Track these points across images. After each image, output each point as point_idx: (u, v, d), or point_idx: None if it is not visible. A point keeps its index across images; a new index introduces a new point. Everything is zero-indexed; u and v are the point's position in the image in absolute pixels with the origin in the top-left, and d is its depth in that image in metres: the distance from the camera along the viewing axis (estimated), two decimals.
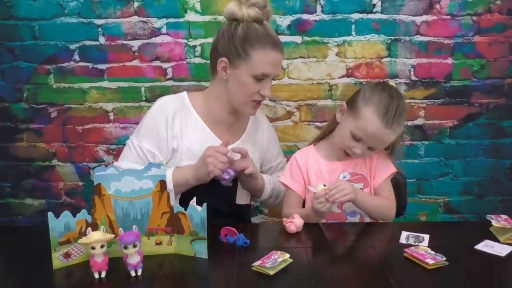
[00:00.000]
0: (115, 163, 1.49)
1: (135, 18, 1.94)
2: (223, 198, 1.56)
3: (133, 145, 1.54)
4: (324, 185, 1.40)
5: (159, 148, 1.53)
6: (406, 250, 1.21)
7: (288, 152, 2.04)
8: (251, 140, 1.65)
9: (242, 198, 1.63)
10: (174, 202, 1.47)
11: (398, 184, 1.64)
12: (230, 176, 1.49)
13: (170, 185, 1.46)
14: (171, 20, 1.94)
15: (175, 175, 1.49)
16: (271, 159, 1.73)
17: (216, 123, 1.58)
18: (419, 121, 2.02)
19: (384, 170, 1.52)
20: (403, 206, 1.71)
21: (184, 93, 1.62)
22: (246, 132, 1.65)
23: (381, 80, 1.96)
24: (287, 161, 1.63)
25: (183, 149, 1.54)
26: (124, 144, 1.60)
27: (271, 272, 1.12)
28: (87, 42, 1.96)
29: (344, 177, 1.51)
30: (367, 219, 1.52)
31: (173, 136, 1.53)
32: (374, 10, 1.93)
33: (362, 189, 1.50)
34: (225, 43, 1.49)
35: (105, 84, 1.99)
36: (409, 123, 2.02)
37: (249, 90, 1.49)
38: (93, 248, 1.11)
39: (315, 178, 1.53)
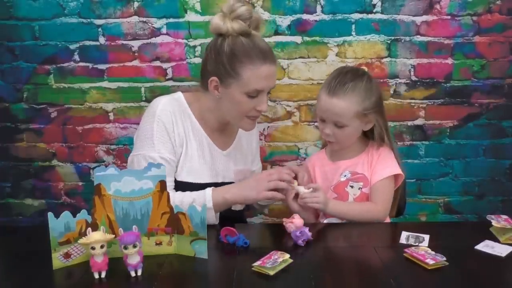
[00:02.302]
0: None
1: (135, 18, 1.94)
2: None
3: (153, 159, 1.42)
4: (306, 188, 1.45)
5: (174, 154, 1.48)
6: (406, 250, 1.21)
7: (288, 153, 2.05)
8: (243, 144, 1.64)
9: (237, 205, 1.58)
10: (215, 220, 1.44)
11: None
12: (305, 237, 1.30)
13: (209, 204, 1.39)
14: (171, 20, 1.94)
15: (215, 195, 1.42)
16: (254, 161, 1.70)
17: (209, 128, 1.55)
18: (419, 121, 2.02)
19: (382, 171, 1.50)
20: (403, 206, 1.71)
21: (180, 94, 1.56)
22: (238, 137, 1.63)
23: None
24: None
25: (187, 154, 1.50)
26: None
27: (271, 272, 1.12)
28: (87, 42, 1.96)
29: (345, 176, 1.53)
30: None
31: (180, 141, 1.49)
32: (374, 10, 1.93)
33: (361, 188, 1.51)
34: (213, 62, 1.43)
35: (105, 84, 1.99)
36: (409, 123, 2.02)
37: (243, 108, 1.44)
38: (93, 248, 1.11)
39: (320, 179, 1.58)
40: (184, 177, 1.49)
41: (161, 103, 1.49)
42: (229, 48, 1.40)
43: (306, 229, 1.30)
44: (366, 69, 1.89)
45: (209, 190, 1.42)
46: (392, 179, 1.52)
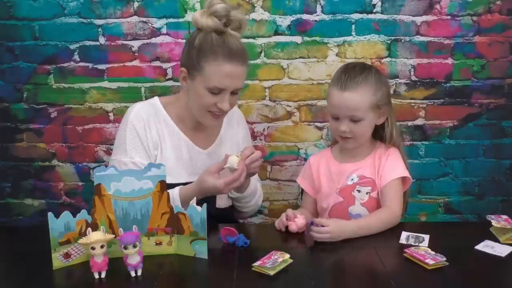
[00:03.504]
0: None
1: (135, 18, 1.94)
2: (203, 202, 1.47)
3: (125, 164, 1.46)
4: (237, 156, 1.39)
5: (148, 158, 1.50)
6: (406, 250, 1.21)
7: (288, 153, 2.05)
8: (226, 140, 1.63)
9: (221, 201, 1.59)
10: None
11: None
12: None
13: (178, 203, 1.39)
14: (171, 20, 1.94)
15: (182, 195, 1.43)
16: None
17: (189, 128, 1.56)
18: (419, 121, 2.02)
19: (390, 172, 1.47)
20: (405, 206, 1.69)
21: (156, 99, 1.59)
22: (220, 134, 1.62)
23: None
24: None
25: (162, 156, 1.52)
26: None
27: (271, 272, 1.12)
28: (87, 42, 1.95)
29: (352, 179, 1.51)
30: None
31: (154, 145, 1.51)
32: (374, 10, 1.93)
33: (369, 193, 1.48)
34: (186, 53, 1.48)
35: (105, 84, 1.99)
36: (409, 123, 2.02)
37: (204, 102, 1.45)
38: (93, 248, 1.11)
39: (325, 179, 1.56)
40: None
41: (134, 110, 1.54)
42: (199, 42, 1.43)
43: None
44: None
45: (176, 191, 1.44)
46: (401, 181, 1.49)
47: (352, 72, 1.45)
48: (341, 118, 1.46)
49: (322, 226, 1.30)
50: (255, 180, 1.62)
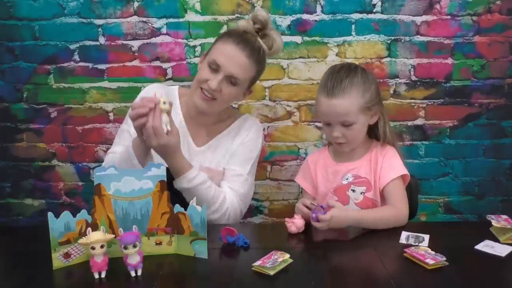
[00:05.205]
0: (109, 150, 1.56)
1: (135, 18, 1.94)
2: (182, 199, 1.45)
3: (122, 131, 1.57)
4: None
5: None
6: (406, 250, 1.21)
7: (288, 153, 2.06)
8: (223, 143, 1.60)
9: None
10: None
11: (409, 185, 1.55)
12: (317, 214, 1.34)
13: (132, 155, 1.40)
14: (171, 20, 1.94)
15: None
16: (232, 160, 1.59)
17: (192, 119, 1.59)
18: (419, 121, 2.02)
19: (389, 172, 1.47)
20: (415, 207, 1.69)
21: (176, 87, 1.66)
22: (222, 135, 1.60)
23: None
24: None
25: None
26: None
27: (271, 272, 1.12)
28: (87, 42, 1.96)
29: (347, 179, 1.51)
30: None
31: None
32: (374, 10, 1.93)
33: (364, 193, 1.48)
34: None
35: (105, 84, 2.00)
36: (409, 123, 2.03)
37: (200, 76, 1.50)
38: (93, 248, 1.11)
39: (322, 179, 1.55)
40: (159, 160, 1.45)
41: (148, 87, 1.64)
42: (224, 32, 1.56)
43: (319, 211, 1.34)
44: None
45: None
46: (401, 179, 1.48)
47: (338, 77, 1.43)
48: (332, 124, 1.45)
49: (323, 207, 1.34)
50: (218, 191, 1.50)
